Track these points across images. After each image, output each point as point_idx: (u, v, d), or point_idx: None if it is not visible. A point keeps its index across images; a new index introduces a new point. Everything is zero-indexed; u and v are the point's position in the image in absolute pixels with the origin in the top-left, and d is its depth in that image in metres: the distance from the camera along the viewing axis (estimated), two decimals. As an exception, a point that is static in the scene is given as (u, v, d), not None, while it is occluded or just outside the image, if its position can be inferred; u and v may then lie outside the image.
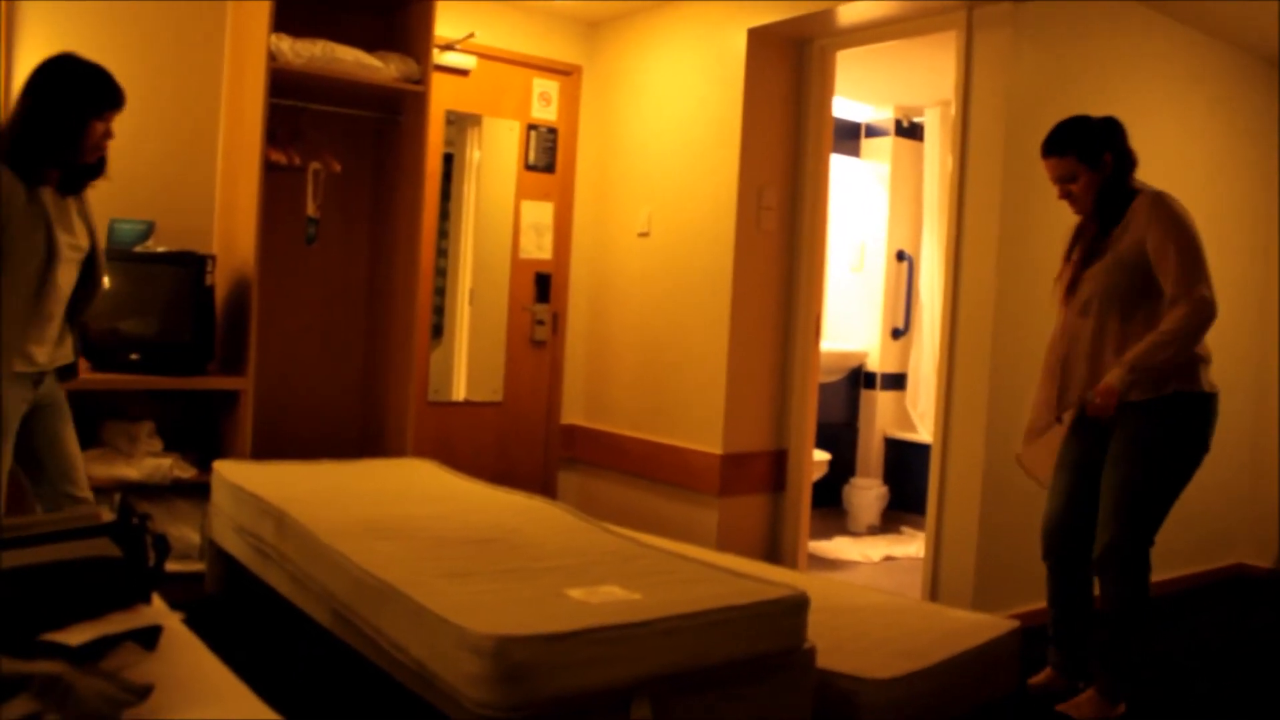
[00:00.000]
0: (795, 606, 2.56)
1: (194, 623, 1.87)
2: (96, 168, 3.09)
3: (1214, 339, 5.27)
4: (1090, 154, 3.20)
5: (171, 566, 3.93)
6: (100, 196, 4.24)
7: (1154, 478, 3.21)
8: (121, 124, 4.21)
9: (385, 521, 3.17)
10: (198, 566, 4.01)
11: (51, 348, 3.11)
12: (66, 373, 3.22)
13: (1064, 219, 4.35)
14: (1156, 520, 3.24)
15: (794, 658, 2.58)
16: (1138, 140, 4.67)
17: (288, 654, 3.50)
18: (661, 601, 2.44)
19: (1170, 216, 3.13)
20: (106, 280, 3.27)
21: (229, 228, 4.39)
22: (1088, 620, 3.42)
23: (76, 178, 3.05)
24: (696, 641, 2.37)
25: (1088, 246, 3.28)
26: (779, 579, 2.75)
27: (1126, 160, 3.24)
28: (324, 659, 3.30)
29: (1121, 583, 3.24)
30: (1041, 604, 4.31)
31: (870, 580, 5.12)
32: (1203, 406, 3.21)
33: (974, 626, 3.12)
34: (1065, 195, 3.29)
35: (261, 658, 3.26)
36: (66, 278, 3.05)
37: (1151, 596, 3.26)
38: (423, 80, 4.57)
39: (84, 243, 3.11)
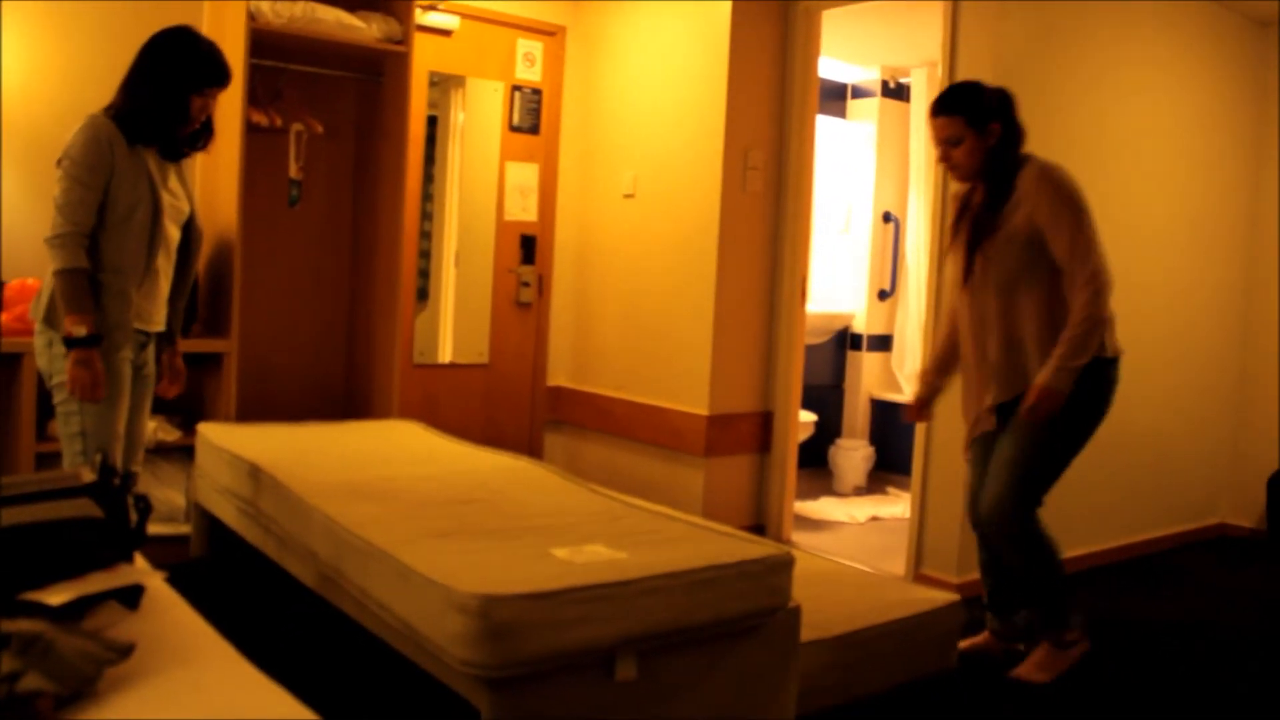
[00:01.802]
0: (780, 565, 2.57)
1: (180, 585, 1.87)
2: (200, 139, 3.14)
3: (1198, 299, 5.30)
4: (979, 118, 3.13)
5: (157, 529, 3.94)
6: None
7: (1046, 447, 3.18)
8: (100, 83, 4.18)
9: (370, 482, 3.17)
10: (183, 529, 4.01)
11: (162, 309, 3.17)
12: (164, 340, 3.25)
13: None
14: (1042, 487, 3.23)
15: (779, 616, 2.59)
16: (1126, 100, 4.68)
17: (274, 615, 3.50)
18: (646, 561, 2.45)
19: (1057, 188, 3.08)
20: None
21: (211, 189, 4.35)
22: (1017, 586, 3.42)
23: (178, 145, 3.11)
24: (681, 600, 2.38)
25: (976, 222, 3.21)
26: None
27: (1015, 132, 3.17)
28: (310, 620, 3.31)
29: (1012, 547, 3.22)
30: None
31: (856, 541, 5.15)
32: (1104, 372, 3.18)
33: (907, 599, 3.11)
34: (945, 159, 3.21)
35: (248, 619, 3.27)
36: (173, 234, 3.12)
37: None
38: (405, 40, 4.53)
39: (184, 206, 3.16)
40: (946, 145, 3.18)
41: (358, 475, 3.25)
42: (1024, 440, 3.16)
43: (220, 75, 3.02)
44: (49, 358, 2.97)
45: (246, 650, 1.62)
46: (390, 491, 3.07)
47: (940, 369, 3.54)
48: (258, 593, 3.69)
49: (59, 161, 2.91)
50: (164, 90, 2.96)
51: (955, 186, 3.36)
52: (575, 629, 2.22)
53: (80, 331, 2.85)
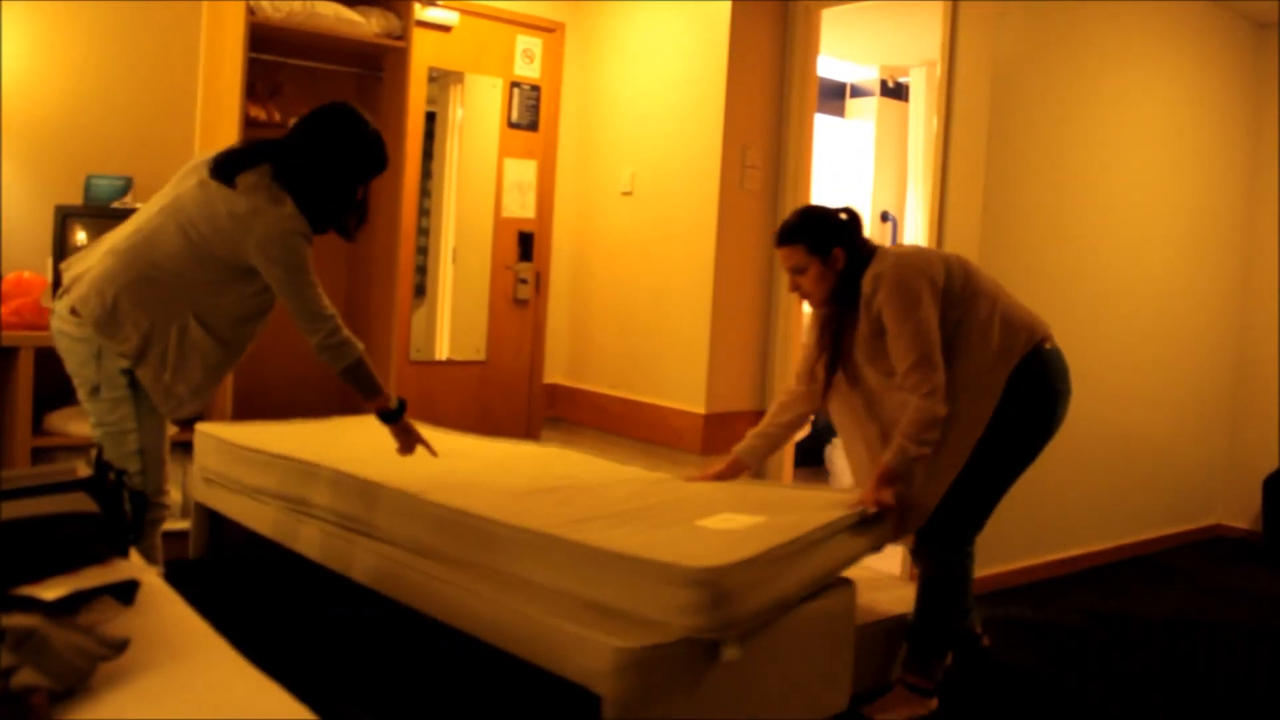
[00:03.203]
0: (873, 519, 2.87)
1: (180, 585, 1.86)
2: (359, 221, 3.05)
3: (1195, 300, 5.29)
4: (820, 245, 3.03)
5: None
6: (77, 152, 4.22)
7: (994, 459, 3.02)
8: (99, 78, 4.18)
9: (433, 475, 3.18)
10: (178, 525, 4.00)
11: None
12: None
13: (1047, 183, 4.36)
14: (989, 499, 3.08)
15: (842, 591, 2.81)
16: (1125, 100, 4.68)
17: (292, 615, 3.50)
18: (789, 520, 2.67)
19: (894, 298, 2.93)
20: None
21: (208, 184, 4.34)
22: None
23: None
24: (835, 548, 2.69)
25: (836, 332, 3.13)
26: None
27: (860, 255, 3.04)
28: (327, 618, 3.31)
29: (938, 562, 3.09)
30: (1013, 565, 4.36)
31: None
32: (1033, 367, 3.01)
33: (902, 597, 3.13)
34: (795, 288, 3.14)
35: (263, 619, 3.28)
36: None
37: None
38: (404, 36, 4.53)
39: None
40: (793, 274, 3.11)
41: (414, 469, 3.25)
42: (964, 455, 3.00)
43: (386, 163, 2.94)
44: (96, 369, 2.76)
45: (261, 649, 1.62)
46: (468, 483, 3.10)
47: (764, 449, 3.37)
48: (266, 593, 3.71)
49: (273, 261, 2.75)
50: (340, 184, 2.87)
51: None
52: (770, 586, 2.45)
53: (392, 405, 3.01)
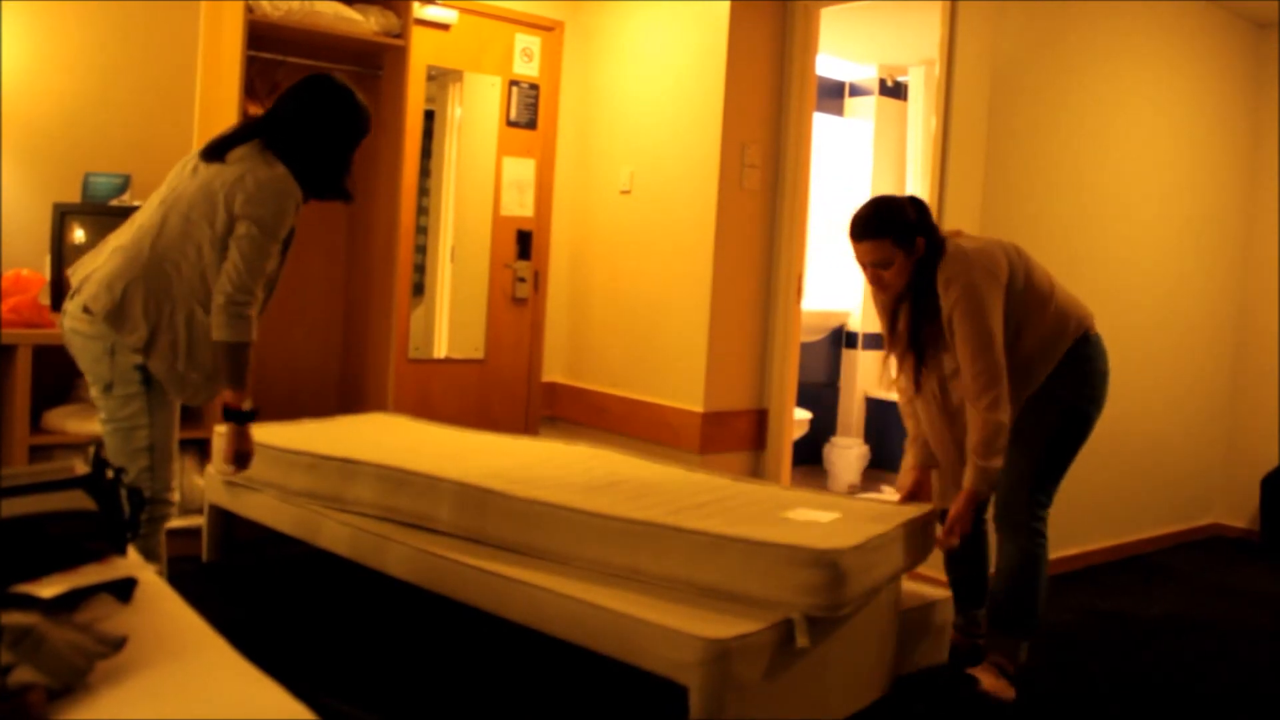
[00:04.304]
0: (930, 520, 3.07)
1: (196, 589, 1.86)
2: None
3: (1194, 300, 5.29)
4: (906, 237, 3.02)
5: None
6: (76, 150, 4.22)
7: (1055, 438, 3.19)
8: (98, 75, 4.18)
9: (502, 472, 3.22)
10: (176, 523, 3.99)
11: None
12: None
13: (1046, 183, 4.36)
14: (1056, 475, 3.22)
15: (885, 590, 2.91)
16: (1123, 99, 4.68)
17: (331, 616, 3.50)
18: (866, 517, 2.87)
19: (964, 302, 2.97)
20: None
21: (207, 182, 4.34)
22: (981, 582, 3.43)
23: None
24: (903, 547, 2.87)
25: (916, 323, 3.13)
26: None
27: (935, 240, 3.07)
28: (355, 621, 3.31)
29: (1016, 543, 3.19)
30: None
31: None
32: (1081, 351, 3.18)
33: (901, 594, 3.15)
34: (875, 281, 3.10)
35: (299, 621, 3.27)
36: None
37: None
38: (403, 34, 4.53)
39: None
40: (876, 268, 3.07)
41: (463, 465, 3.28)
42: (1033, 435, 3.17)
43: (369, 126, 3.00)
44: (110, 365, 2.76)
45: (304, 650, 1.61)
46: (527, 479, 3.14)
47: (926, 463, 3.37)
48: (299, 593, 3.72)
49: (248, 216, 2.74)
50: (340, 150, 2.93)
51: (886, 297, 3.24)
52: (869, 573, 2.62)
53: (248, 406, 2.89)
